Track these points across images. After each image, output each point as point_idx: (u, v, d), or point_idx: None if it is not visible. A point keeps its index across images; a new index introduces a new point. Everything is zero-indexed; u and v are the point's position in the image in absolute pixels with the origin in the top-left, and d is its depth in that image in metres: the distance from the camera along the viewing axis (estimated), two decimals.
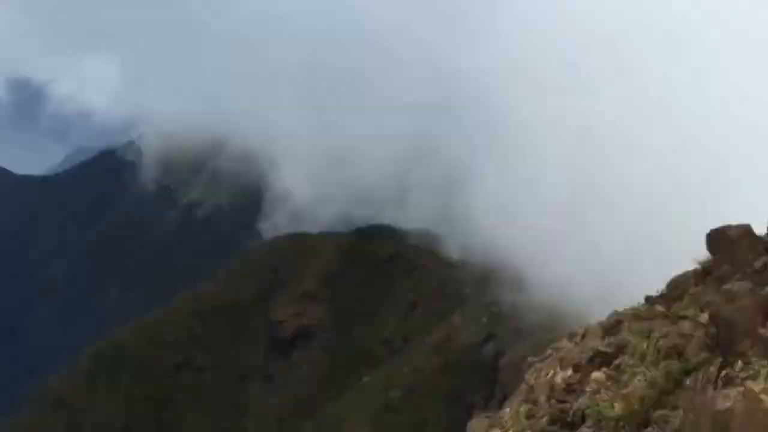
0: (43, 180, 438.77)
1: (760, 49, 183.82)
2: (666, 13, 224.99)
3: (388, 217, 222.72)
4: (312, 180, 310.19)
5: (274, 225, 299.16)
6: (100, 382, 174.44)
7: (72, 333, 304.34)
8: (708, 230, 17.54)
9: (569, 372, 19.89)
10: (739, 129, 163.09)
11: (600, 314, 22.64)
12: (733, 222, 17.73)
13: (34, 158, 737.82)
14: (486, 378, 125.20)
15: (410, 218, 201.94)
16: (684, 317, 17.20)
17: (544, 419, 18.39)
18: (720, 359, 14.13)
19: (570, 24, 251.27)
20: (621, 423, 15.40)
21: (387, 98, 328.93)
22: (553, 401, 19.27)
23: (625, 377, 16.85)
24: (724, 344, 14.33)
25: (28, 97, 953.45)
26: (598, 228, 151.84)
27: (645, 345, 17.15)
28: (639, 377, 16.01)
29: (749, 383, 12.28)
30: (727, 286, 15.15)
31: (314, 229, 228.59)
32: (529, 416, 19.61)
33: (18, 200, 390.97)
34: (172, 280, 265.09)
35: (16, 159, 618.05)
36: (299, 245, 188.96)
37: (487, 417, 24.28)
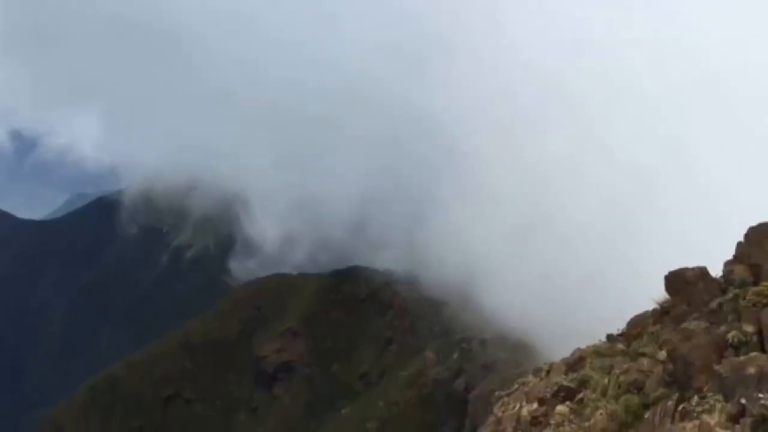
0: (43, 224, 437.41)
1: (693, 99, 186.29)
2: (611, 63, 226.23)
3: (357, 257, 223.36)
4: (284, 222, 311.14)
5: (244, 266, 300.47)
6: (95, 414, 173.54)
7: (69, 368, 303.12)
8: (666, 272, 17.46)
9: (535, 405, 19.78)
10: (680, 167, 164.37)
11: (564, 348, 22.51)
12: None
13: (36, 204, 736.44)
14: (456, 410, 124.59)
15: (379, 259, 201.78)
16: (643, 354, 17.15)
17: None
18: (677, 394, 14.07)
19: (522, 69, 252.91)
20: None
21: (354, 140, 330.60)
22: None
23: (587, 411, 16.76)
24: (682, 380, 14.26)
25: (30, 147, 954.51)
26: (559, 264, 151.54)
27: (606, 380, 17.07)
28: (600, 411, 15.92)
29: (705, 417, 12.21)
30: (684, 325, 15.06)
31: (285, 270, 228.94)
32: None
33: (20, 242, 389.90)
34: (163, 318, 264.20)
35: (19, 204, 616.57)
36: (281, 285, 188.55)
37: None
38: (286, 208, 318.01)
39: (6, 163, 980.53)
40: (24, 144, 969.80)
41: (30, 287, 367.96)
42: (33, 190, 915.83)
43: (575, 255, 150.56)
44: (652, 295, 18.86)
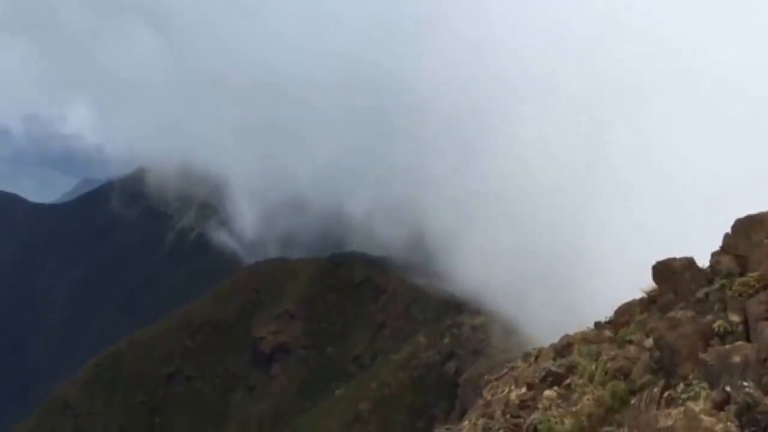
0: (52, 207, 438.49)
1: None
2: (592, 51, 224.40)
3: (348, 238, 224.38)
4: (280, 205, 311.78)
5: (243, 249, 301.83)
6: (100, 390, 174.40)
7: (75, 345, 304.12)
8: (654, 262, 17.32)
9: (523, 389, 19.73)
10: (651, 157, 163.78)
11: (552, 334, 22.44)
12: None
13: (46, 188, 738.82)
14: (447, 393, 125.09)
15: (375, 245, 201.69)
16: (630, 342, 17.06)
17: None
18: (663, 381, 13.98)
19: (503, 52, 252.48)
20: None
21: (336, 121, 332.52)
22: (508, 416, 19.04)
23: (574, 396, 16.66)
24: (668, 367, 14.16)
25: (42, 133, 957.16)
26: (547, 250, 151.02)
27: (594, 366, 16.96)
28: (587, 396, 15.80)
29: (690, 404, 12.07)
30: (671, 314, 14.90)
31: (282, 254, 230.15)
32: (486, 429, 19.32)
33: (30, 225, 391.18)
34: (166, 298, 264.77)
35: (30, 188, 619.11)
36: (279, 269, 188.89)
37: (447, 429, 24.03)
38: (283, 191, 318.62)
39: (19, 148, 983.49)
40: (37, 130, 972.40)
41: (39, 268, 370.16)
42: (44, 174, 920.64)
43: (560, 240, 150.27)
44: (638, 282, 18.77)
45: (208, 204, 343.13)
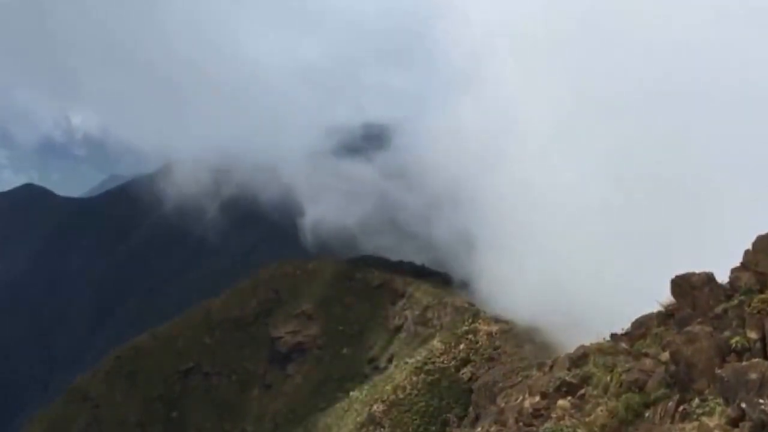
0: (79, 201, 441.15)
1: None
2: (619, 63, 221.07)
3: (372, 247, 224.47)
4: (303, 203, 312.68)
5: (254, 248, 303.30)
6: (119, 382, 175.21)
7: (97, 338, 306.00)
8: (673, 276, 17.13)
9: (537, 398, 19.56)
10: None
11: (568, 344, 22.27)
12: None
13: (74, 182, 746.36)
14: (461, 399, 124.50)
15: (396, 249, 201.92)
16: (646, 354, 16.89)
17: None
18: (678, 395, 13.87)
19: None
20: None
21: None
22: (521, 424, 18.91)
23: (588, 406, 16.53)
24: (683, 382, 14.02)
25: (71, 128, 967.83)
26: (565, 260, 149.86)
27: (608, 378, 16.83)
28: (601, 407, 15.70)
29: (704, 419, 11.97)
30: (688, 329, 14.73)
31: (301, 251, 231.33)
32: None
33: (58, 218, 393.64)
34: (187, 294, 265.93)
35: (59, 182, 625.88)
36: (298, 270, 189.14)
37: None
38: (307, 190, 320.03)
39: (49, 142, 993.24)
40: (66, 124, 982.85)
41: (65, 260, 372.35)
42: (73, 169, 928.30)
43: (577, 248, 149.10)
44: (654, 295, 18.58)
45: (233, 202, 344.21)
